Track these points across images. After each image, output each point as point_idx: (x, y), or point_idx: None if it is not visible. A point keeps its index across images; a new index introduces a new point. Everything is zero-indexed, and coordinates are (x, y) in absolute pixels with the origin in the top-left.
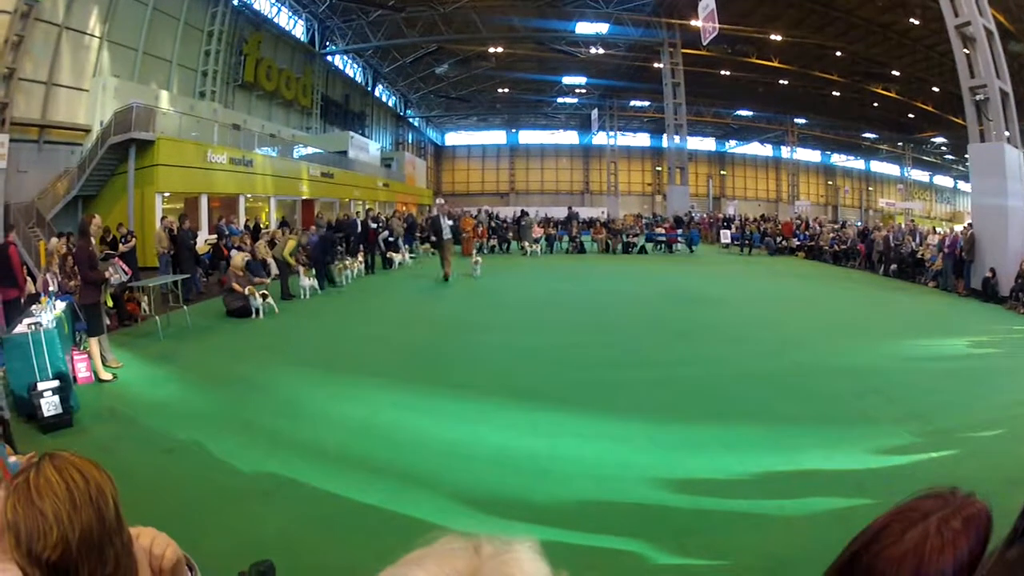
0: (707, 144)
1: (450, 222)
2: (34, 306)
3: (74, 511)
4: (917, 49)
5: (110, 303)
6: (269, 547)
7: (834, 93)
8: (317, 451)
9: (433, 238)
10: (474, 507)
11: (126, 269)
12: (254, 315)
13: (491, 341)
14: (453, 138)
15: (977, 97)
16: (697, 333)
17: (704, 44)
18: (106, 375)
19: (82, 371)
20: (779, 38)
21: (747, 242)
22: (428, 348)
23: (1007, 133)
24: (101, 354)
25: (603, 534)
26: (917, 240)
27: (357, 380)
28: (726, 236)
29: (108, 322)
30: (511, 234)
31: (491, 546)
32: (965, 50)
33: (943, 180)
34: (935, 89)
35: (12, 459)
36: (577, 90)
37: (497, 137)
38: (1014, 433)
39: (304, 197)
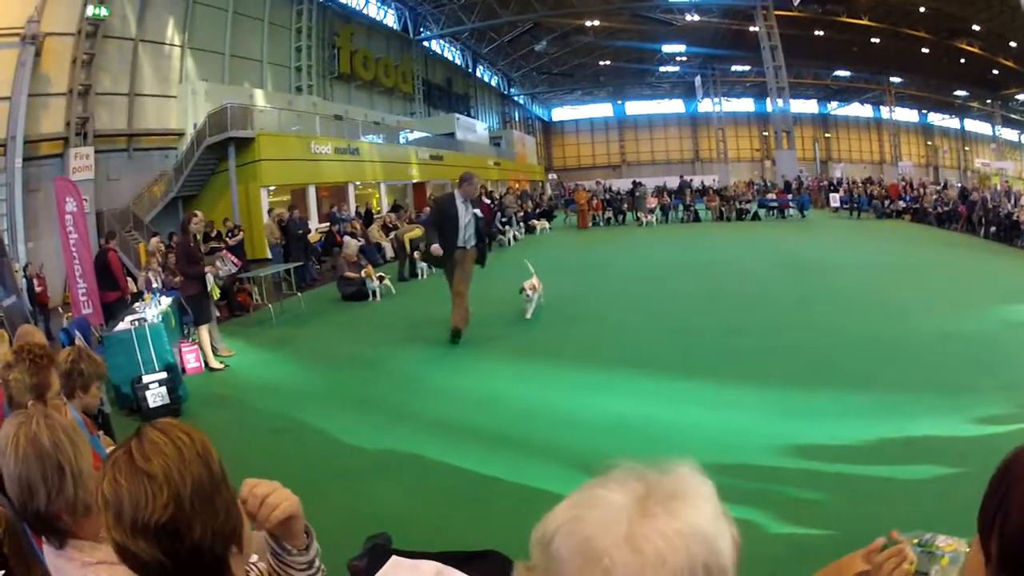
0: (810, 107)
1: (475, 211)
2: (137, 304)
3: (184, 466)
4: (992, 3)
5: (217, 295)
6: (387, 521)
7: (923, 50)
8: (436, 425)
9: (426, 244)
10: (592, 475)
11: (235, 261)
12: (371, 297)
13: (611, 311)
14: (560, 113)
15: None
16: (812, 301)
17: (795, 4)
18: (217, 364)
19: (191, 362)
20: None
21: (855, 206)
22: (547, 320)
23: None
24: (212, 344)
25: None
26: (1012, 202)
27: (476, 353)
28: (835, 200)
29: (218, 314)
30: (626, 205)
31: (658, 470)
32: None
33: None
34: (1013, 44)
35: (109, 449)
36: (678, 58)
37: (604, 110)
38: None
39: (415, 180)
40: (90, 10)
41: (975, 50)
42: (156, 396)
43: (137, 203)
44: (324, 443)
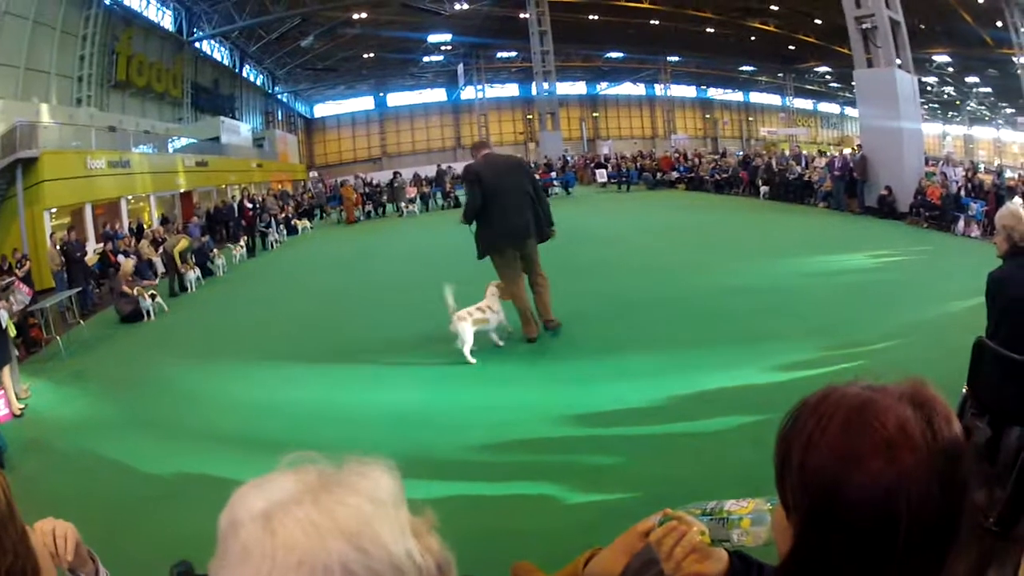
0: (578, 88)
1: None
2: None
3: None
4: None
5: (13, 332)
6: (192, 547)
7: (708, 30)
8: (220, 440)
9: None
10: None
11: (27, 291)
12: (146, 317)
13: (374, 307)
14: (322, 109)
15: (864, 26)
16: (586, 269)
17: None
18: (19, 405)
19: (1, 408)
20: None
21: (624, 179)
22: (315, 320)
23: (898, 60)
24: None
25: (512, 481)
26: (803, 164)
27: (249, 363)
28: (602, 175)
29: (17, 352)
30: (385, 197)
31: (351, 464)
32: None
33: (828, 107)
34: (817, 21)
35: None
36: (443, 47)
37: (366, 103)
38: (935, 342)
39: (182, 190)
40: None
41: (770, 28)
42: None
43: None
44: (125, 473)
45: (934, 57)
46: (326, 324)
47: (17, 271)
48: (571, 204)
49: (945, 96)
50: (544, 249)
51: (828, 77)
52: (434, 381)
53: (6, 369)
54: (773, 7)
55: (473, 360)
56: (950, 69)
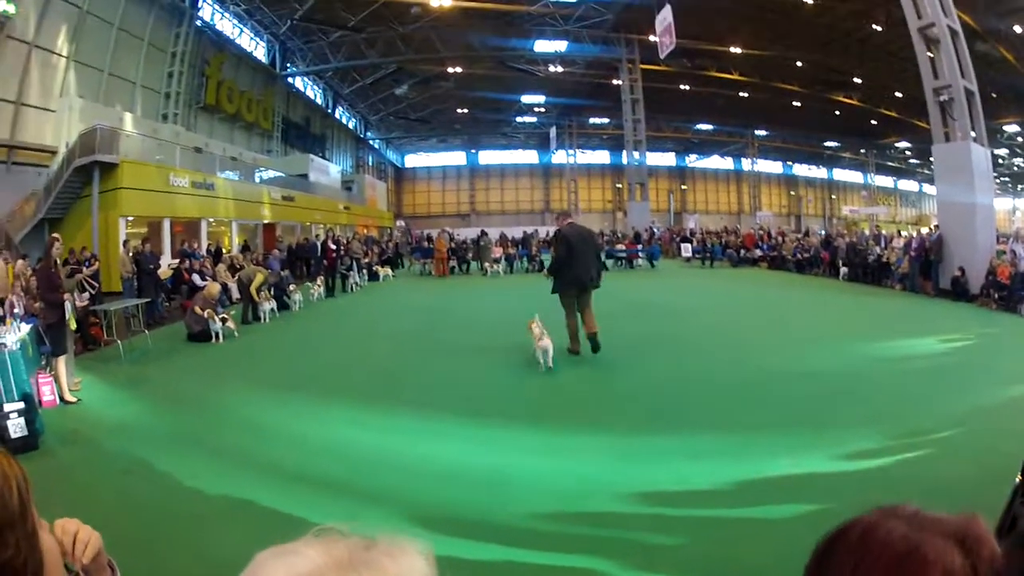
0: (667, 159)
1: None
2: None
3: None
4: (880, 56)
5: (74, 326)
6: (226, 570)
7: (795, 103)
8: (275, 471)
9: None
10: (431, 526)
11: (93, 284)
12: (214, 339)
13: (451, 359)
14: (413, 160)
15: (941, 98)
16: (659, 345)
17: (661, 58)
18: (71, 398)
19: (47, 394)
20: (739, 51)
21: (708, 255)
22: (385, 367)
23: (973, 133)
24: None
25: (565, 552)
26: (882, 244)
27: (315, 400)
28: (687, 250)
29: (74, 346)
30: (471, 254)
31: (382, 543)
32: (929, 53)
33: (908, 184)
34: (898, 94)
35: None
36: (536, 108)
37: (457, 158)
38: (996, 428)
39: (265, 221)
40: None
41: (852, 101)
42: (16, 427)
43: (11, 221)
44: (169, 486)
45: (1004, 127)
46: (397, 370)
47: (85, 269)
48: (655, 277)
49: (1015, 168)
50: (627, 320)
51: (908, 153)
52: (499, 443)
53: (62, 359)
54: (856, 79)
55: (551, 365)
56: (1019, 139)
